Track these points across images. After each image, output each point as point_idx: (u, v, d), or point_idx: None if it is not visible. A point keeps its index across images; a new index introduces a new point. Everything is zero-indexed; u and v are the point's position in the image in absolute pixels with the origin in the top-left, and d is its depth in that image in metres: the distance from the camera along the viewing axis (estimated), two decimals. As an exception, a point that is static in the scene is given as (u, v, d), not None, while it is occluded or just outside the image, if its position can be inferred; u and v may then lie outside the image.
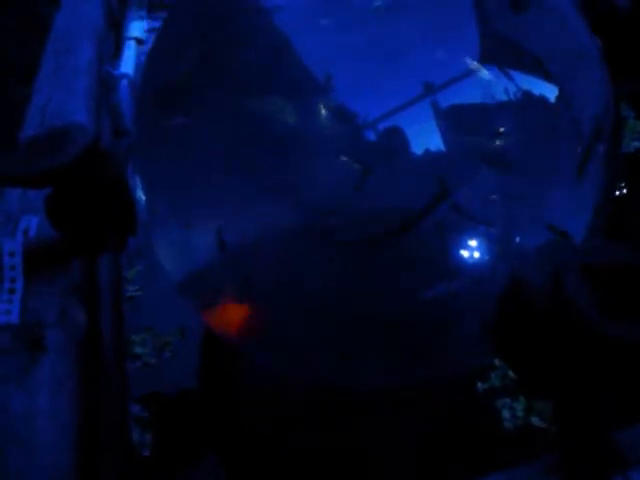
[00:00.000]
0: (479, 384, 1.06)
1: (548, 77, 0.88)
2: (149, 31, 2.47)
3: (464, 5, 0.83)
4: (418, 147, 0.83)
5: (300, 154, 0.84)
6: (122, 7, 2.61)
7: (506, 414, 1.02)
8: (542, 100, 0.88)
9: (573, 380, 0.62)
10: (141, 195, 1.00)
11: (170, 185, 0.96)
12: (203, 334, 1.22)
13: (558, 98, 0.88)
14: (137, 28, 2.43)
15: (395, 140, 0.84)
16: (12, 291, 0.98)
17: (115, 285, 1.24)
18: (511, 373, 1.00)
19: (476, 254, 0.81)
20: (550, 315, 0.60)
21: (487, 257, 0.76)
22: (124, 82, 1.93)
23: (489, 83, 0.85)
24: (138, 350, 1.19)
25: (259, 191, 0.85)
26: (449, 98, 0.83)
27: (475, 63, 0.81)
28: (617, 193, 1.59)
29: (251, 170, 0.85)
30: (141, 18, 2.53)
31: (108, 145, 1.01)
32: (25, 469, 0.80)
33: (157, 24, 2.60)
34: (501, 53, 0.86)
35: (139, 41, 2.34)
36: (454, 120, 0.84)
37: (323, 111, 0.86)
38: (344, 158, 0.83)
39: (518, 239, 0.76)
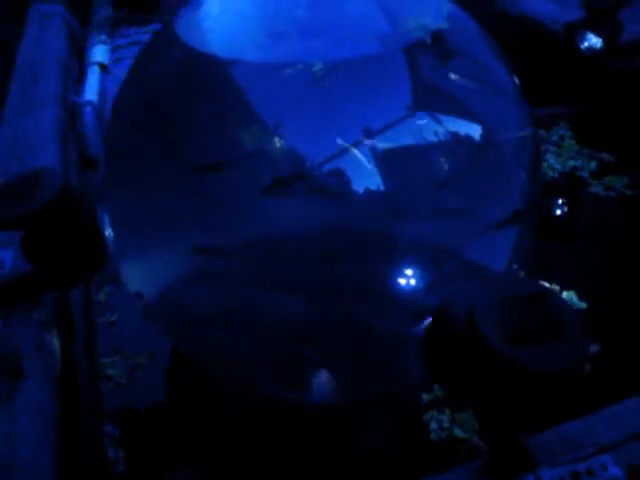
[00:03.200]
0: (424, 395, 1.17)
1: (472, 117, 0.99)
2: (112, 54, 2.55)
3: (395, 63, 0.93)
4: (358, 185, 0.93)
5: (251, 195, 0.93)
6: (84, 32, 2.67)
7: (434, 426, 1.12)
8: (467, 138, 0.98)
9: (490, 398, 0.73)
10: (110, 231, 1.08)
11: (135, 223, 1.05)
12: (171, 354, 1.30)
13: (481, 135, 0.99)
14: (100, 53, 2.49)
15: (338, 179, 0.94)
16: (-9, 324, 1.06)
17: (87, 312, 1.33)
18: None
19: (411, 282, 0.92)
20: (467, 346, 0.70)
21: (418, 291, 0.87)
22: (89, 109, 2.00)
23: (421, 127, 0.95)
24: (110, 372, 1.27)
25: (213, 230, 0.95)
26: (384, 142, 0.94)
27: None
28: (558, 210, 1.72)
29: (205, 211, 0.95)
30: (103, 42, 2.59)
31: (78, 187, 1.08)
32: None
33: (119, 49, 2.68)
34: (430, 100, 0.96)
35: (102, 66, 2.40)
36: (390, 161, 0.95)
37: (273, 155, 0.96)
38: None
39: (443, 275, 0.86)
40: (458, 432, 1.10)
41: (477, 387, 0.72)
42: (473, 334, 0.68)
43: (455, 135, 0.97)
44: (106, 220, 1.08)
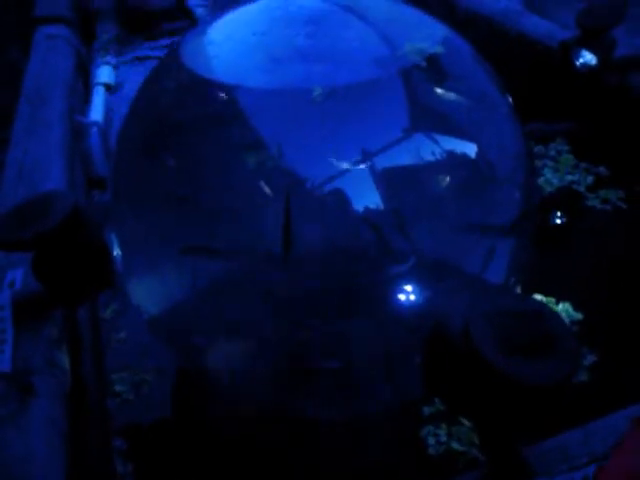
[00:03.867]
0: (425, 408, 1.19)
1: (467, 136, 1.02)
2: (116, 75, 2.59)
3: (392, 86, 0.97)
4: (358, 204, 0.96)
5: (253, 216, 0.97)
6: (89, 53, 2.72)
7: (431, 441, 1.14)
8: (463, 156, 1.01)
9: (486, 410, 0.76)
10: (118, 251, 1.11)
11: (142, 243, 1.08)
12: (176, 370, 1.33)
13: (476, 153, 1.02)
14: (105, 73, 2.53)
15: (337, 199, 0.97)
16: (3, 341, 1.09)
17: (94, 329, 1.36)
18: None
19: (411, 298, 0.95)
20: (463, 359, 0.73)
21: (417, 306, 0.90)
22: (94, 130, 2.04)
23: (418, 147, 0.98)
24: (118, 388, 1.30)
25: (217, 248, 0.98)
26: (383, 162, 0.97)
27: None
28: (555, 223, 1.75)
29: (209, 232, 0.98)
30: (108, 63, 2.64)
31: (86, 208, 1.12)
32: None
33: (123, 69, 2.72)
34: (426, 122, 1.00)
35: (107, 86, 2.45)
36: (388, 181, 0.98)
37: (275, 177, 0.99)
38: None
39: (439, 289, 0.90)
40: (456, 445, 1.12)
41: (474, 399, 0.74)
42: (468, 347, 0.71)
43: (451, 154, 1.00)
44: (114, 239, 1.11)
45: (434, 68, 0.99)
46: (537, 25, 2.29)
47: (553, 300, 1.42)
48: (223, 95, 0.98)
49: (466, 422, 1.15)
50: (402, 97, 0.97)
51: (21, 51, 2.61)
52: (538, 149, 1.97)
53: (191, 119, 1.00)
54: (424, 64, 0.97)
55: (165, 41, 3.05)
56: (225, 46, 1.06)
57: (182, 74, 1.02)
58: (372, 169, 0.97)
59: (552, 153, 1.95)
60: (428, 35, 1.04)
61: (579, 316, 1.39)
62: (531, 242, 1.11)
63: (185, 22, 3.38)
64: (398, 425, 1.18)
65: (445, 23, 1.13)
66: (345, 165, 0.96)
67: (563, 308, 1.40)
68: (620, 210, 1.71)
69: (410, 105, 0.98)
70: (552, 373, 0.70)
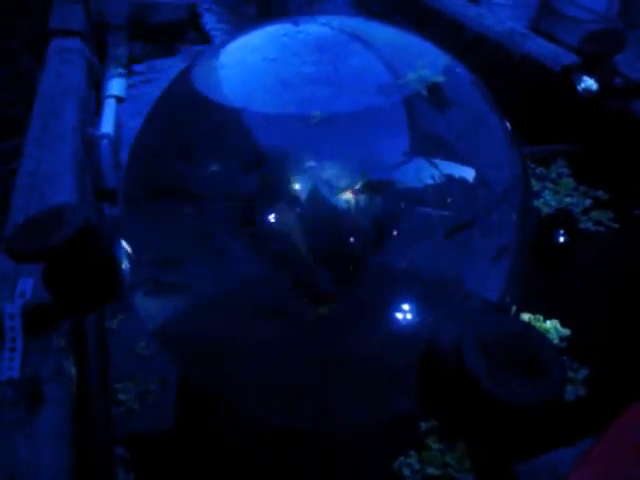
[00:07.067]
0: (422, 424, 1.22)
1: (465, 161, 1.06)
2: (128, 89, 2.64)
3: (394, 113, 1.01)
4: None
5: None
6: (102, 65, 2.77)
7: (406, 471, 1.14)
8: (461, 180, 1.05)
9: (478, 427, 0.79)
10: (126, 263, 1.15)
11: (151, 257, 1.12)
12: (180, 381, 1.36)
13: (474, 177, 1.05)
14: (116, 86, 2.58)
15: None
16: (13, 349, 1.12)
17: (100, 339, 1.39)
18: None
19: (407, 316, 0.98)
20: (454, 378, 0.76)
21: (412, 324, 0.93)
22: (105, 142, 2.08)
23: (419, 170, 1.02)
24: (122, 397, 1.33)
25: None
26: (385, 184, 1.00)
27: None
28: (560, 240, 1.78)
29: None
30: (120, 75, 2.69)
31: (96, 222, 1.15)
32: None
33: (135, 82, 2.78)
34: (429, 146, 1.03)
35: (119, 99, 2.49)
36: (391, 200, 1.01)
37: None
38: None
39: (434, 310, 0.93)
40: (431, 470, 1.14)
41: (465, 417, 0.77)
42: (460, 367, 0.74)
43: (450, 177, 1.03)
44: (123, 253, 1.15)
45: (435, 96, 1.02)
46: (542, 47, 2.33)
47: (541, 317, 1.46)
48: (230, 117, 1.02)
49: (433, 445, 1.18)
50: (403, 124, 1.01)
51: (35, 62, 2.66)
52: (540, 171, 2.00)
53: (198, 140, 1.04)
54: (425, 92, 1.01)
55: (177, 53, 3.11)
56: (235, 70, 1.10)
57: (193, 97, 1.06)
58: (373, 190, 1.00)
59: (553, 176, 1.98)
60: (430, 63, 1.07)
61: (567, 332, 1.43)
62: (529, 263, 1.14)
63: (196, 35, 3.45)
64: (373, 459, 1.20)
65: (448, 49, 1.17)
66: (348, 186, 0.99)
67: (551, 325, 1.44)
68: (610, 230, 1.75)
69: (411, 131, 1.01)
70: (539, 393, 0.73)
